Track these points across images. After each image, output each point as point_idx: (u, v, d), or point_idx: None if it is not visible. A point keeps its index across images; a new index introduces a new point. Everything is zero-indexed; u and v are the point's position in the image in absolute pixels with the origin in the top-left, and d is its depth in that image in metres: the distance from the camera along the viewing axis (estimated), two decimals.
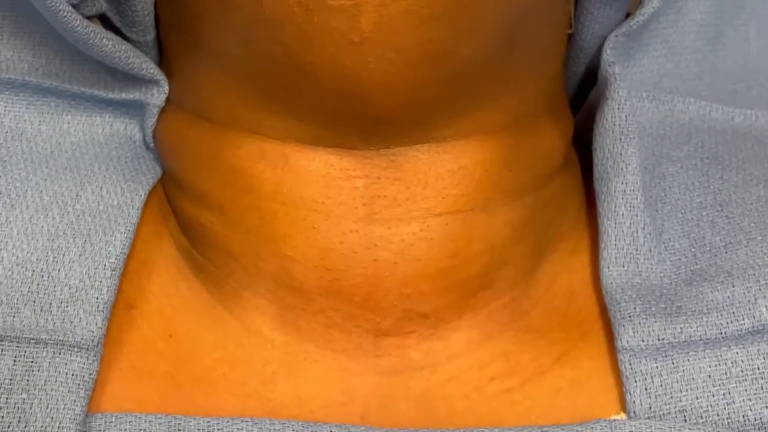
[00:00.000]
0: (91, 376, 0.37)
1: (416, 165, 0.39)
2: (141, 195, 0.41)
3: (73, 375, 0.37)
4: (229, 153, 0.40)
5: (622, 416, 0.38)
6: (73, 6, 0.39)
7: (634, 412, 0.38)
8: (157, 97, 0.41)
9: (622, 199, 0.41)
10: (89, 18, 0.41)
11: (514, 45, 0.38)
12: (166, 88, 0.42)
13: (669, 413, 0.38)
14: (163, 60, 0.43)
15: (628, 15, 0.43)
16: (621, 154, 0.41)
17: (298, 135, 0.38)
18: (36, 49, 0.42)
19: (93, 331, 0.37)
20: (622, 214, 0.40)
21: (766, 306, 0.39)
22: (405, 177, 0.39)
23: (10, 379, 0.37)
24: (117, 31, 0.42)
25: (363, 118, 0.37)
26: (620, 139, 0.41)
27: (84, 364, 0.37)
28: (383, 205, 0.38)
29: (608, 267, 0.40)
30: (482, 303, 0.40)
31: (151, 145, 0.42)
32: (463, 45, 0.36)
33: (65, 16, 0.38)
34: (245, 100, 0.39)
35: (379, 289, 0.39)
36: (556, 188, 0.42)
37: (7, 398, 0.36)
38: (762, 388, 0.38)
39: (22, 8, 0.41)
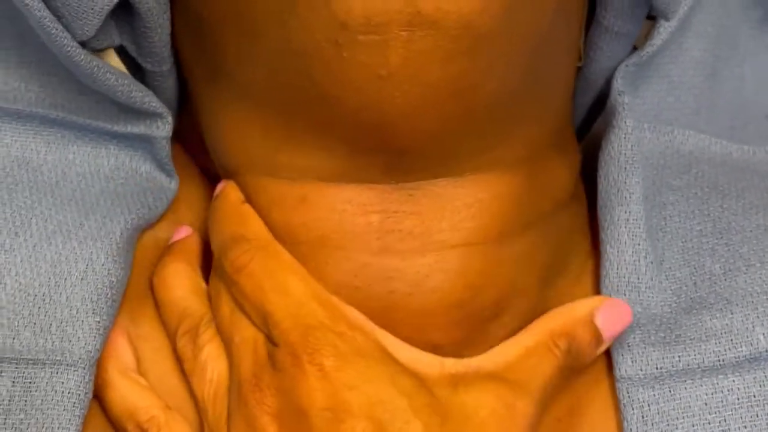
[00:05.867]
0: (87, 395, 0.38)
1: (433, 199, 0.39)
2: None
3: (69, 393, 0.37)
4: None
5: None
6: (85, 40, 0.39)
7: None
8: (161, 129, 0.41)
9: (625, 228, 0.41)
10: (102, 50, 0.41)
11: (536, 78, 0.38)
12: (170, 120, 0.42)
13: None
14: (183, 95, 0.43)
15: (635, 48, 0.44)
16: (625, 182, 0.41)
17: (318, 171, 0.39)
18: (43, 80, 0.42)
19: (90, 351, 0.38)
20: (625, 243, 0.41)
21: (763, 334, 0.40)
22: (421, 211, 0.39)
23: (9, 400, 0.37)
24: (133, 61, 0.42)
25: (387, 151, 0.37)
26: (625, 168, 0.42)
27: (80, 382, 0.38)
28: (398, 239, 0.39)
29: (610, 295, 0.41)
30: (493, 333, 0.40)
31: (170, 169, 0.43)
32: (489, 79, 0.36)
33: (69, 51, 0.38)
34: (268, 136, 0.39)
35: (394, 322, 0.39)
36: (565, 220, 0.42)
37: (5, 419, 0.37)
38: (757, 415, 0.39)
39: (29, 40, 0.41)
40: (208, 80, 0.40)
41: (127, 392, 0.39)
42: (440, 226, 0.39)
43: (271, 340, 0.38)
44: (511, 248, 0.40)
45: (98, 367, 0.39)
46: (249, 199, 0.40)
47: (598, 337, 0.40)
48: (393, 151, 0.37)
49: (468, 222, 0.39)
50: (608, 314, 0.40)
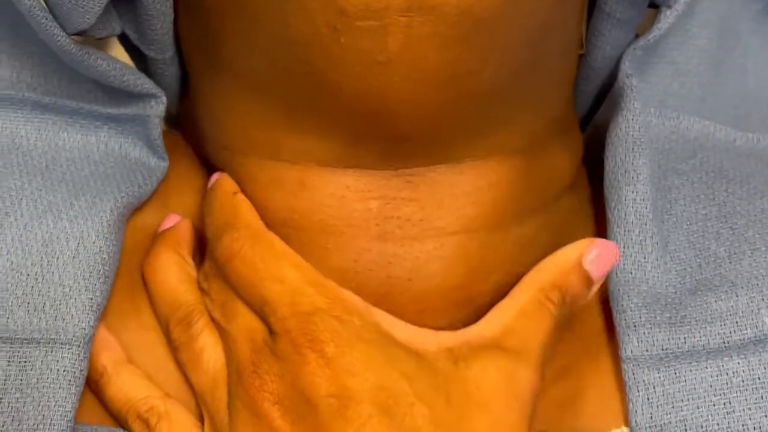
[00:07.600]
0: (82, 372, 0.38)
1: (432, 186, 0.39)
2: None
3: (64, 372, 0.38)
4: (244, 184, 0.41)
5: (624, 430, 0.39)
6: (87, 29, 0.40)
7: (636, 421, 0.39)
8: (155, 108, 0.42)
9: (632, 207, 0.41)
10: (103, 38, 0.41)
11: (534, 66, 0.39)
12: (164, 100, 0.42)
13: (670, 423, 0.39)
14: (184, 82, 0.44)
15: (637, 36, 0.44)
16: (632, 163, 0.42)
17: (318, 156, 0.39)
18: (35, 69, 0.42)
19: (84, 329, 0.38)
20: (632, 222, 0.41)
21: None
22: (420, 198, 0.39)
23: (4, 380, 0.38)
24: (136, 48, 0.43)
25: (386, 137, 0.38)
26: (632, 149, 0.42)
27: (75, 360, 0.38)
28: (396, 225, 0.39)
29: (616, 274, 0.41)
30: None
31: (160, 150, 0.43)
32: (487, 66, 0.36)
33: (59, 40, 0.39)
34: (267, 122, 0.39)
35: (394, 306, 0.39)
36: (565, 207, 0.43)
37: (1, 398, 0.37)
38: (762, 397, 0.39)
39: (21, 31, 0.42)
40: (209, 66, 0.41)
41: (125, 384, 0.39)
42: (439, 213, 0.39)
43: (268, 328, 0.38)
44: (513, 234, 0.41)
45: (92, 361, 0.39)
46: (249, 181, 0.40)
47: (588, 280, 0.40)
48: (391, 137, 0.38)
49: (467, 209, 0.39)
50: (597, 255, 0.40)
